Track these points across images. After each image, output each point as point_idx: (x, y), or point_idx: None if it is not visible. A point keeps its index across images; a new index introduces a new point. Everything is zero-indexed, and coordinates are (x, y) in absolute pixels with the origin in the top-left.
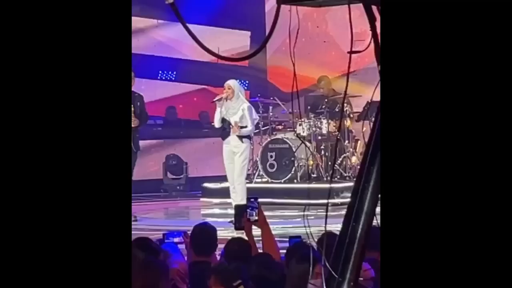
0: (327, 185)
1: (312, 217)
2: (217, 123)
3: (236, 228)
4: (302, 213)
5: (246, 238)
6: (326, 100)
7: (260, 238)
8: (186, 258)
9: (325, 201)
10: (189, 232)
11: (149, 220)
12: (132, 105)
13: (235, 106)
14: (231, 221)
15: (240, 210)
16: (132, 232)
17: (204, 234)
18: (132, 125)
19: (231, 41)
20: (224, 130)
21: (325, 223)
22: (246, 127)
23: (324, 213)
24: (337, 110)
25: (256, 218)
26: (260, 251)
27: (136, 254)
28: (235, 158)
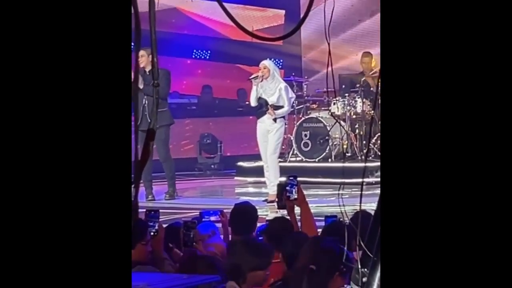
0: (361, 164)
1: (347, 196)
2: (253, 102)
3: (279, 207)
4: (336, 192)
5: (287, 217)
6: (363, 79)
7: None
8: (222, 237)
9: (359, 180)
10: (226, 211)
11: (184, 198)
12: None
13: (271, 87)
14: (265, 200)
15: (282, 189)
16: (169, 210)
17: (244, 214)
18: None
19: (266, 20)
20: (260, 109)
21: (360, 202)
22: (282, 107)
23: (359, 192)
24: (372, 89)
25: (296, 196)
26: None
27: None
28: (269, 136)
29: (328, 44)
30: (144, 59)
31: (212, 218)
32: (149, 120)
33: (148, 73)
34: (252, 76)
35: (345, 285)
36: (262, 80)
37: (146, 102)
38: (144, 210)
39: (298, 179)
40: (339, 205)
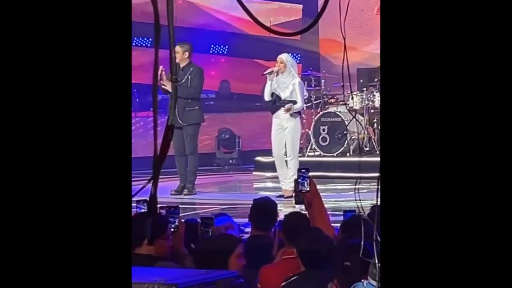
0: (379, 159)
1: (365, 191)
2: (266, 96)
3: (296, 202)
4: (354, 186)
5: (304, 212)
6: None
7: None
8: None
9: (377, 174)
10: (245, 206)
11: (202, 194)
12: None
13: (286, 81)
14: (279, 196)
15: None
16: (188, 206)
17: (264, 209)
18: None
19: (283, 15)
20: (274, 104)
21: (377, 197)
22: (295, 102)
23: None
24: None
25: (308, 189)
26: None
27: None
28: (285, 133)
29: (344, 38)
30: (179, 55)
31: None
32: (171, 117)
33: (181, 70)
34: (267, 72)
35: (362, 280)
36: (277, 75)
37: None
38: (165, 206)
39: (316, 173)
40: (355, 200)
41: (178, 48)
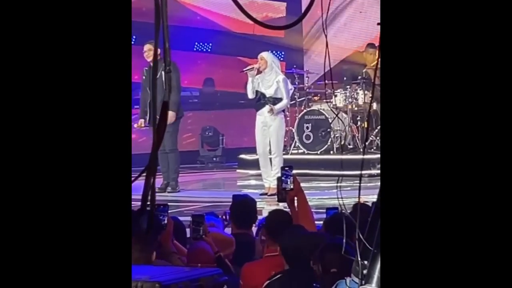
0: (362, 156)
1: (349, 188)
2: (250, 94)
3: (279, 200)
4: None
5: (286, 209)
6: (364, 70)
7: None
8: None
9: (359, 172)
10: (227, 204)
11: (186, 191)
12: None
13: (269, 79)
14: (262, 194)
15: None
16: (171, 204)
17: (244, 207)
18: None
19: (268, 11)
20: (258, 101)
21: (359, 195)
22: (281, 99)
23: (362, 184)
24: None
25: (291, 186)
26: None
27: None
28: (270, 131)
29: (326, 36)
30: (151, 53)
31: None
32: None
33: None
34: (246, 69)
35: (346, 278)
36: (260, 72)
37: (150, 99)
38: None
39: (300, 171)
40: (337, 198)
41: (149, 46)
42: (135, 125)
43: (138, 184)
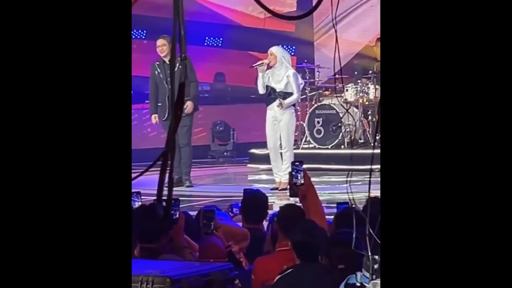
0: (373, 151)
1: (359, 183)
2: (260, 89)
3: (291, 195)
4: (347, 178)
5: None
6: (375, 64)
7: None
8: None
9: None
10: (239, 199)
11: (197, 186)
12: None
13: (279, 74)
14: (273, 188)
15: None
16: (182, 198)
17: (255, 202)
18: (188, 112)
19: (278, 5)
20: (269, 96)
21: (369, 189)
22: (291, 94)
23: (373, 179)
24: None
25: (301, 181)
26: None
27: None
28: (280, 125)
29: (335, 31)
30: (165, 48)
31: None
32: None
33: (168, 64)
34: (256, 64)
35: (357, 272)
36: (270, 67)
37: (169, 93)
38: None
39: (311, 166)
40: (347, 192)
41: (162, 41)
42: (153, 121)
43: (144, 179)
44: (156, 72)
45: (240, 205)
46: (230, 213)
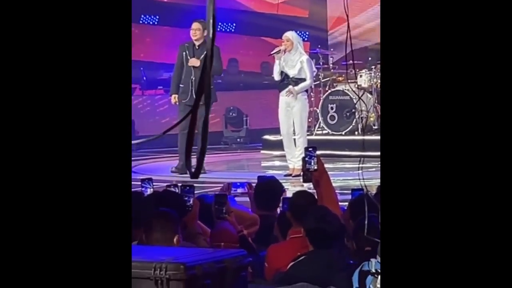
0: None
1: (373, 169)
2: (276, 76)
3: (304, 181)
4: (359, 165)
5: (310, 191)
6: None
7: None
8: (250, 209)
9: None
10: (253, 184)
11: (210, 173)
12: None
13: (293, 59)
14: (286, 175)
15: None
16: (195, 185)
17: (268, 189)
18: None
19: None
20: (282, 82)
21: (381, 176)
22: (304, 79)
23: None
24: None
25: (315, 167)
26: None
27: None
28: (293, 111)
29: (347, 16)
30: (198, 32)
31: (239, 190)
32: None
33: (197, 48)
34: (274, 51)
35: (371, 259)
36: (285, 53)
37: (194, 77)
38: (180, 184)
39: (325, 152)
40: (359, 179)
41: (197, 25)
42: (172, 101)
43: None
44: (184, 53)
45: (238, 184)
46: (229, 194)
